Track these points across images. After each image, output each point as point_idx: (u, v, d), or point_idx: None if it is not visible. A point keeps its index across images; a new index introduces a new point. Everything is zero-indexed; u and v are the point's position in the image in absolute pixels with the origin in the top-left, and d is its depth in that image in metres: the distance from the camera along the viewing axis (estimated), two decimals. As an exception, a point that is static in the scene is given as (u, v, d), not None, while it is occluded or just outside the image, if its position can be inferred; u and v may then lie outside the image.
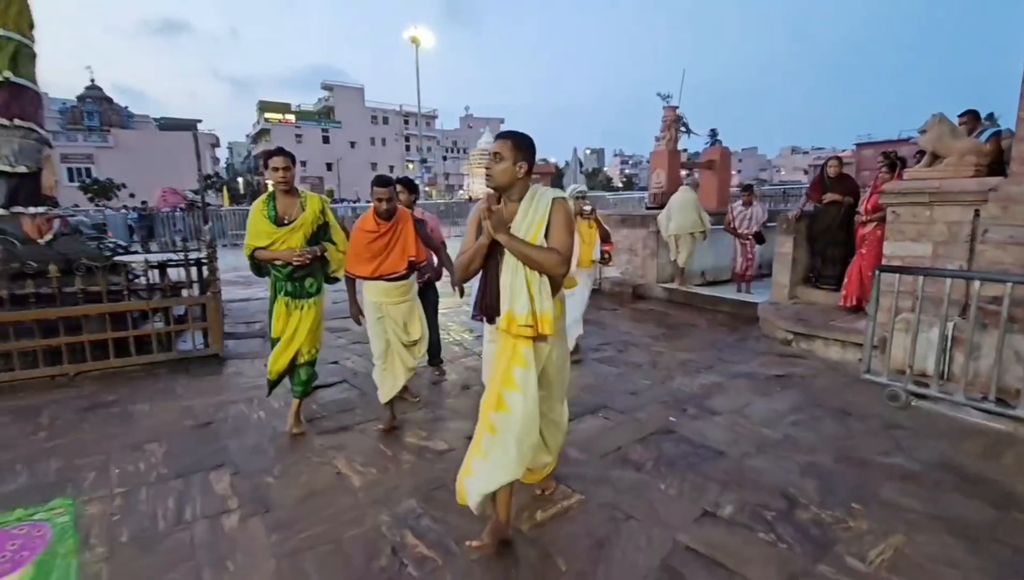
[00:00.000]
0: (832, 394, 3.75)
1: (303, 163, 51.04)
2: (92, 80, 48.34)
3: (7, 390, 3.93)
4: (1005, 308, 3.18)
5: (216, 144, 55.51)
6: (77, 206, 24.23)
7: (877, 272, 3.82)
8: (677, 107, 8.23)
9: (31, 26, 4.91)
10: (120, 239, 7.57)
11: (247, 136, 62.97)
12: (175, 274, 5.10)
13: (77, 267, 4.39)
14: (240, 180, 52.35)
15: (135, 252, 7.28)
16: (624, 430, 3.20)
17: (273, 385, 3.30)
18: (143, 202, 18.72)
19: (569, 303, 4.35)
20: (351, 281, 3.27)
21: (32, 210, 4.74)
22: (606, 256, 4.65)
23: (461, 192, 39.62)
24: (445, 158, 62.51)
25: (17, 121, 4.72)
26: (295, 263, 2.99)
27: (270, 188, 3.23)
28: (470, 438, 2.10)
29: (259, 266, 3.17)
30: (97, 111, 47.44)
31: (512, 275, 1.94)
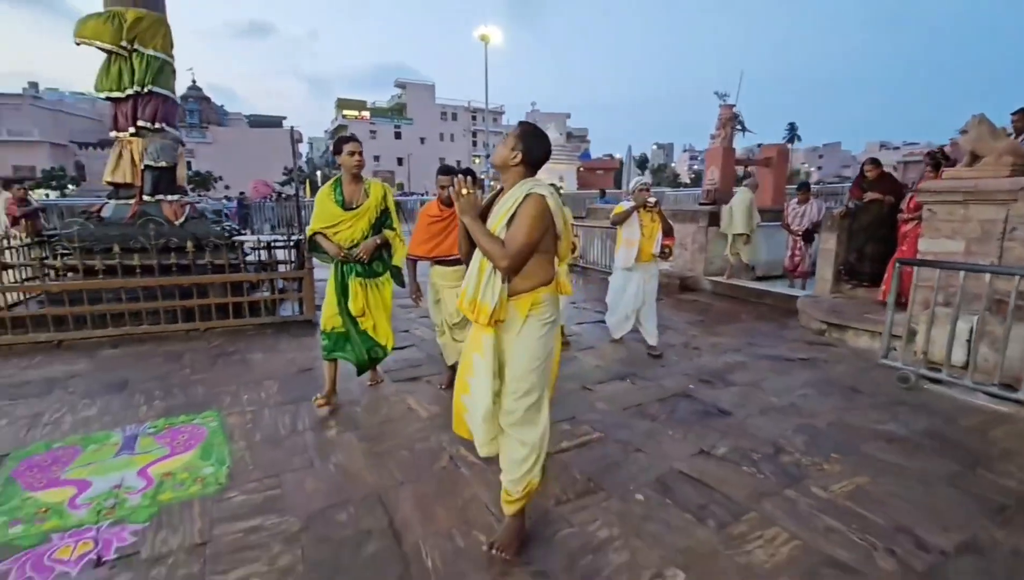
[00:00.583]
0: (848, 375, 4.08)
1: (376, 158, 53.63)
2: (193, 80, 53.10)
3: (157, 339, 4.99)
4: (1012, 299, 3.42)
5: (300, 140, 59.28)
6: (199, 196, 27.01)
7: (897, 264, 4.09)
8: (734, 105, 8.45)
9: (171, 46, 6.01)
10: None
11: (325, 132, 66.72)
12: (278, 253, 6.08)
13: (206, 244, 5.41)
14: (319, 173, 55.71)
15: (245, 234, 8.47)
16: (646, 392, 3.73)
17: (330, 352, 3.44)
18: (241, 193, 20.75)
19: (625, 297, 4.70)
20: (412, 264, 3.65)
21: (170, 197, 5.84)
22: (666, 250, 4.54)
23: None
24: (511, 153, 63.46)
25: (159, 125, 5.84)
26: (353, 259, 3.25)
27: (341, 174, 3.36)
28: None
29: (316, 246, 3.37)
30: (198, 109, 52.09)
31: (475, 260, 2.00)
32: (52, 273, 5.51)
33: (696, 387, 3.81)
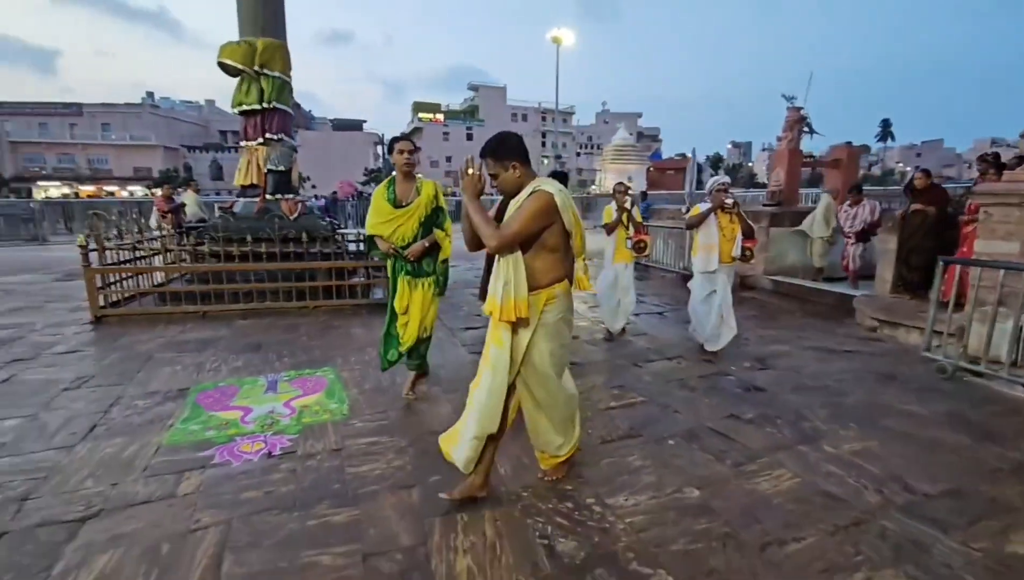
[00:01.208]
0: (887, 365, 4.35)
1: (448, 158, 55.58)
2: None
3: (276, 314, 6.03)
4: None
5: (379, 142, 62.48)
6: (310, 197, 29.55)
7: (940, 262, 4.32)
8: (802, 108, 8.53)
9: (290, 68, 7.08)
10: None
11: (401, 134, 69.65)
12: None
13: (315, 236, 6.42)
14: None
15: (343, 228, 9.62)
16: (690, 370, 4.22)
17: (391, 363, 3.64)
18: (333, 192, 22.64)
19: (712, 305, 4.46)
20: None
21: (288, 197, 6.92)
22: (747, 253, 4.44)
23: (593, 187, 40.54)
24: (579, 154, 63.78)
25: (280, 135, 6.93)
26: (403, 258, 3.35)
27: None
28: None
29: (375, 243, 3.46)
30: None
31: (497, 260, 2.11)
32: (196, 257, 6.73)
33: (737, 369, 4.25)
